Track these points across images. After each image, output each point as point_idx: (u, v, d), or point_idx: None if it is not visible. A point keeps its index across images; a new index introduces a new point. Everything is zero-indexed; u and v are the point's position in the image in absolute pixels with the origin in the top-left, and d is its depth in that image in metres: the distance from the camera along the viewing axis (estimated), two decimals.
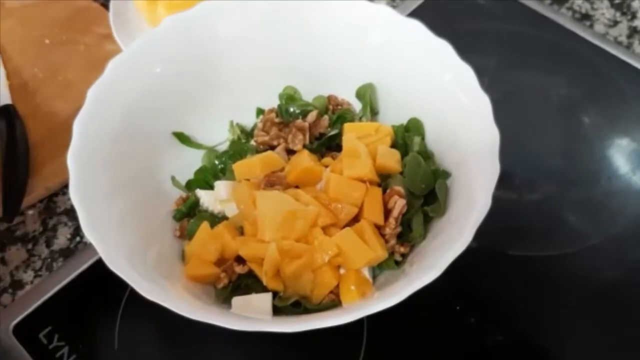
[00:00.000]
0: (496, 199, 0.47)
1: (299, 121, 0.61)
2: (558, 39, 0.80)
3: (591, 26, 0.83)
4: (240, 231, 0.56)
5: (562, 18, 0.82)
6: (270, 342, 0.53)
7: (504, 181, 0.49)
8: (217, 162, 0.62)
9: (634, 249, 0.64)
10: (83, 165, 0.51)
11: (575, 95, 0.76)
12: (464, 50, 0.55)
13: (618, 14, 0.84)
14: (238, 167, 0.59)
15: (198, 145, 0.64)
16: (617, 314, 0.60)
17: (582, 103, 0.75)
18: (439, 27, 0.57)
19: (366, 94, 0.63)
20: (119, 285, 0.46)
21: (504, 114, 0.52)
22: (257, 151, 0.61)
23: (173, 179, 0.61)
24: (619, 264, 0.63)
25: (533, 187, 0.68)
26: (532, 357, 0.57)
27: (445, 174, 0.56)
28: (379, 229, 0.54)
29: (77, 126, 0.52)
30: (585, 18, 0.84)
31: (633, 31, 0.82)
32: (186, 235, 0.58)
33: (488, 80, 0.55)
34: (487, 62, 0.77)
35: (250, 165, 0.58)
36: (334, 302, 0.52)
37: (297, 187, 0.56)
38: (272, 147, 0.61)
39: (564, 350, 0.58)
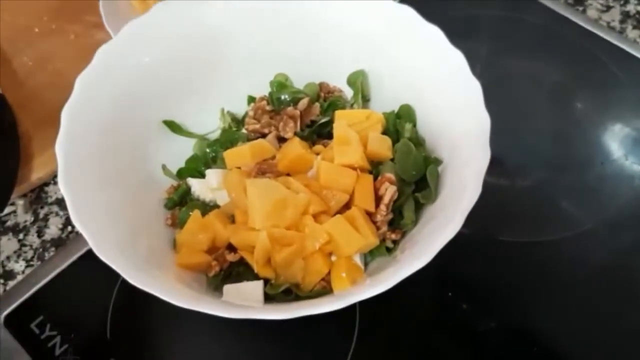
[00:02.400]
0: (488, 185, 0.47)
1: (290, 109, 0.61)
2: (551, 24, 0.80)
3: (584, 11, 0.83)
4: (232, 219, 0.56)
5: (555, 3, 0.81)
6: (263, 329, 0.53)
7: (497, 167, 0.49)
8: (208, 150, 0.62)
9: (627, 234, 0.64)
10: (72, 154, 0.51)
11: (568, 80, 0.76)
12: (456, 36, 0.55)
13: None
14: (229, 155, 0.58)
15: (189, 134, 0.63)
16: (610, 298, 0.60)
17: (575, 88, 0.75)
18: (430, 12, 0.57)
19: (357, 81, 0.63)
20: (111, 274, 0.46)
21: (497, 100, 0.52)
22: (248, 139, 0.61)
23: (164, 167, 0.61)
24: (612, 249, 0.63)
25: (525, 173, 0.68)
26: (525, 343, 0.57)
27: (437, 161, 0.56)
28: (370, 216, 0.54)
29: (65, 115, 0.52)
30: (578, 3, 0.83)
31: (626, 16, 0.82)
32: (177, 223, 0.58)
33: (480, 67, 0.55)
34: (479, 48, 0.77)
35: (241, 154, 0.58)
36: (325, 290, 0.52)
37: (288, 174, 0.56)
38: (263, 135, 0.61)
39: (557, 335, 0.58)
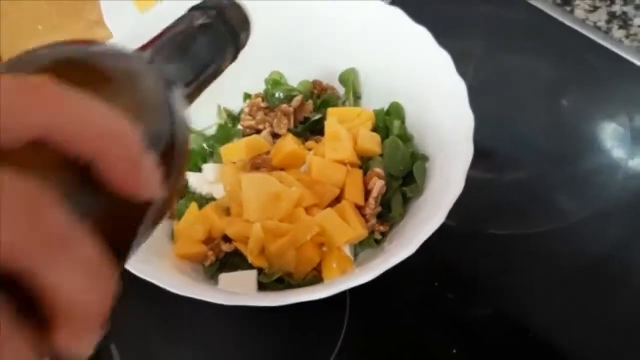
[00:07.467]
0: (477, 179, 0.49)
1: (284, 106, 0.63)
2: (539, 24, 0.81)
3: (572, 11, 0.85)
4: (227, 212, 0.58)
5: (544, 3, 0.83)
6: (258, 316, 0.55)
7: (487, 161, 0.50)
8: (205, 145, 0.64)
9: (615, 226, 0.64)
10: None
11: (556, 78, 0.77)
12: (448, 35, 0.56)
13: (597, 0, 0.86)
14: (225, 151, 0.61)
15: None
16: (599, 290, 0.60)
17: (563, 86, 0.76)
18: (423, 11, 0.58)
19: (349, 79, 0.65)
20: None
21: (489, 97, 0.53)
22: (244, 135, 0.63)
23: None
24: (600, 241, 0.63)
25: (513, 167, 0.69)
26: (510, 333, 0.58)
27: (424, 157, 0.58)
28: (360, 209, 0.56)
29: None
30: (566, 3, 0.85)
31: (612, 17, 0.84)
32: (175, 215, 0.60)
33: (473, 65, 0.56)
34: (469, 47, 0.78)
35: (237, 149, 0.60)
36: (316, 279, 0.54)
37: (282, 169, 0.58)
38: (258, 131, 0.63)
39: (545, 326, 0.58)
